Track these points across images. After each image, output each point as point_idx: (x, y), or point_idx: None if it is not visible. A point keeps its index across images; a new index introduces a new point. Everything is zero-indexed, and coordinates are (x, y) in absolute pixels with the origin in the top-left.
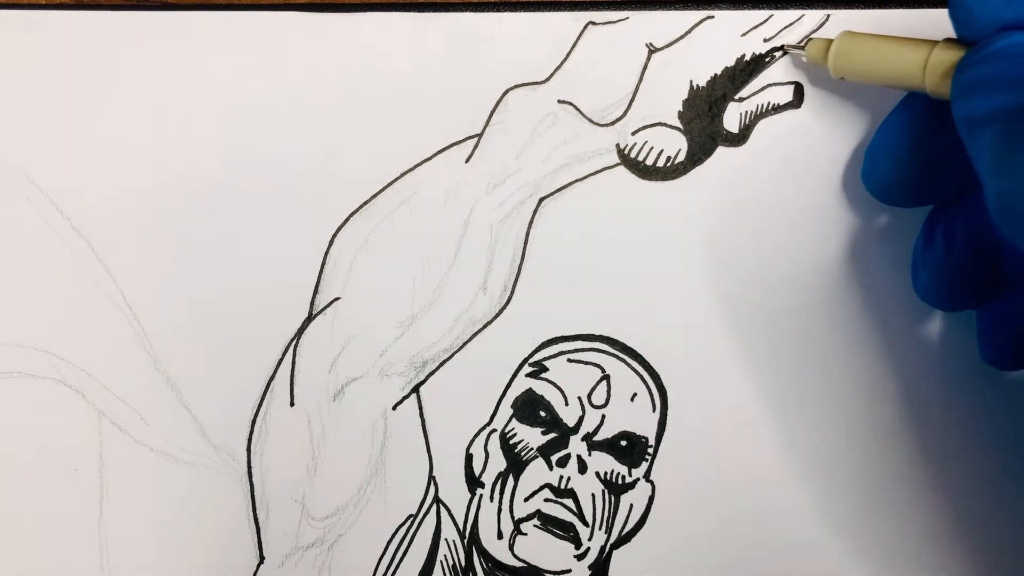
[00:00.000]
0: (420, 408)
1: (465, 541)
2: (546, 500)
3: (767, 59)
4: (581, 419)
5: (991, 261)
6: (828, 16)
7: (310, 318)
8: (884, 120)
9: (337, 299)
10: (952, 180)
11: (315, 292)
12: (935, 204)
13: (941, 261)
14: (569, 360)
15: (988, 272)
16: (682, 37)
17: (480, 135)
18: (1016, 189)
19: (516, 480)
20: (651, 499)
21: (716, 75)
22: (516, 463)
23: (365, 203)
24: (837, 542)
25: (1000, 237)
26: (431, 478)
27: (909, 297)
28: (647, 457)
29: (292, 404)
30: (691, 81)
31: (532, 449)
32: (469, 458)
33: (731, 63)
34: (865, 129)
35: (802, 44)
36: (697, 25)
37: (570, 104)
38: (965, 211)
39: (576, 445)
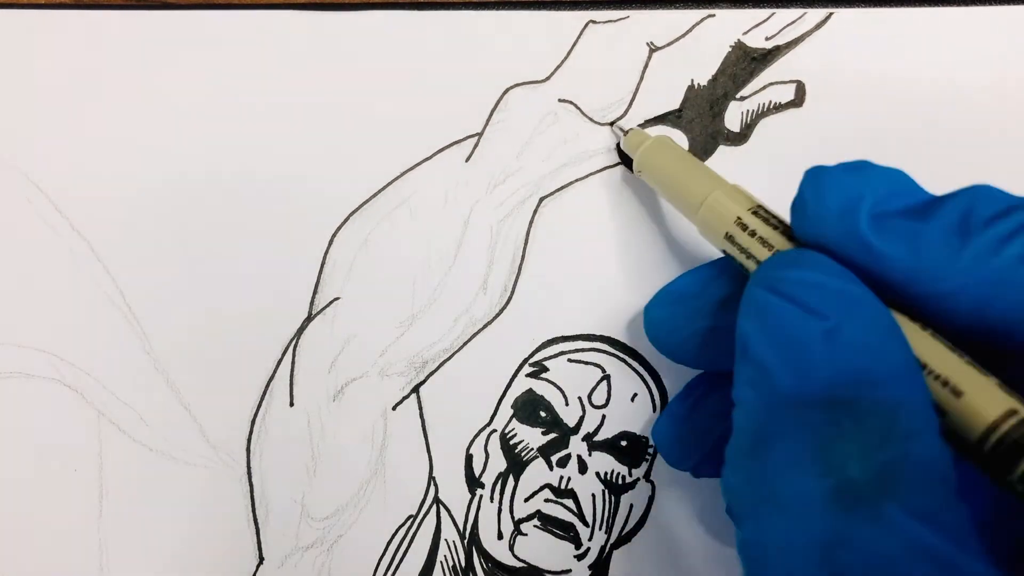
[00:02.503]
0: (420, 408)
1: (465, 541)
2: (546, 500)
3: (768, 58)
4: (581, 419)
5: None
6: (831, 14)
7: (310, 318)
8: (687, 272)
9: (337, 299)
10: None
11: (315, 292)
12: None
13: (684, 417)
14: (569, 360)
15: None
16: (683, 36)
17: (480, 134)
18: (733, 486)
19: (516, 480)
20: (651, 499)
21: (717, 74)
22: (516, 463)
23: (365, 203)
24: None
25: None
26: (431, 478)
27: None
28: (647, 457)
29: (292, 404)
30: (692, 80)
31: (532, 449)
32: (469, 458)
33: (732, 61)
34: (867, 129)
35: (625, 130)
36: (698, 24)
37: (570, 103)
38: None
39: (576, 445)
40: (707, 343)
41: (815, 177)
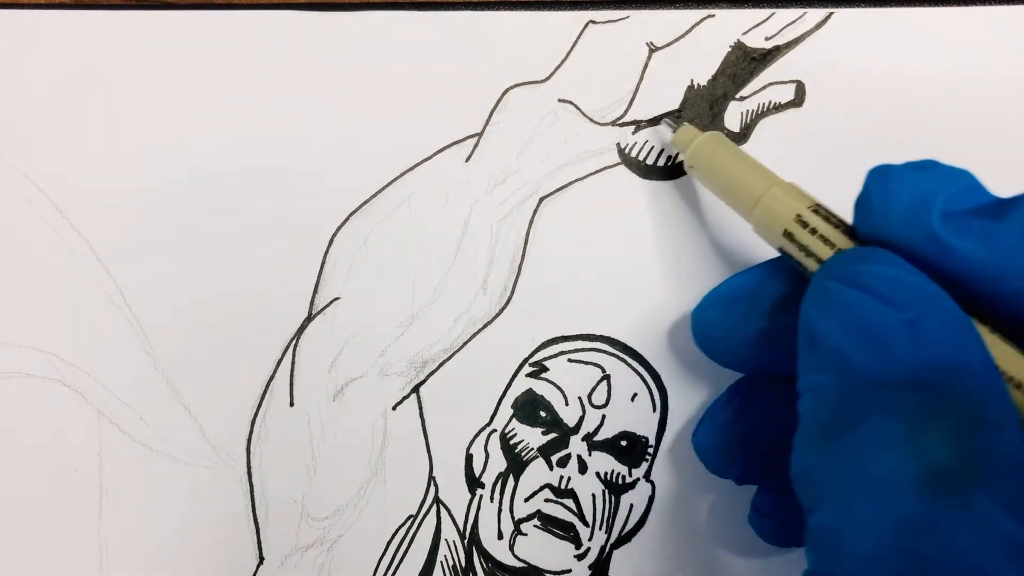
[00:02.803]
0: (420, 408)
1: (465, 541)
2: (546, 500)
3: (768, 58)
4: (581, 419)
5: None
6: (831, 14)
7: (310, 318)
8: (736, 274)
9: (337, 299)
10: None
11: (315, 292)
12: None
13: (729, 423)
14: (569, 360)
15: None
16: (683, 36)
17: (480, 134)
18: (806, 472)
19: (516, 480)
20: (651, 499)
21: (717, 74)
22: (516, 463)
23: (365, 203)
24: None
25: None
26: (431, 478)
27: None
28: (647, 457)
29: (292, 404)
30: (692, 80)
31: (532, 449)
32: (469, 458)
33: (732, 61)
34: (868, 129)
35: (675, 125)
36: (698, 24)
37: (570, 103)
38: (781, 395)
39: (576, 445)
40: (760, 344)
41: (882, 175)
